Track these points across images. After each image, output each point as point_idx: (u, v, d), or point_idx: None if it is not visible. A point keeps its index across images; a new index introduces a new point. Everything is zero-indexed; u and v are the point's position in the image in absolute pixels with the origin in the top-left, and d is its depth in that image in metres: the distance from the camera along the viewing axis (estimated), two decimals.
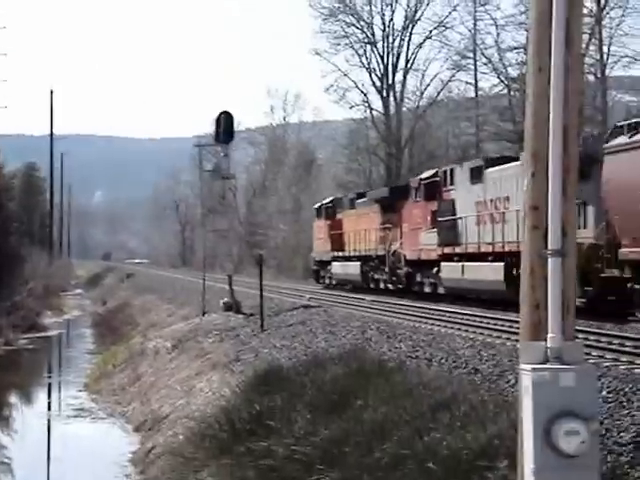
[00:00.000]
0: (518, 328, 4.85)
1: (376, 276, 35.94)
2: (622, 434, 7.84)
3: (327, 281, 42.17)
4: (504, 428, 7.62)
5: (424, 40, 62.02)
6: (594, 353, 13.20)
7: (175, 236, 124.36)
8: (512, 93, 50.21)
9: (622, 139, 18.97)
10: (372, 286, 36.02)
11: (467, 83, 58.96)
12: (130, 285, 60.53)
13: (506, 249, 23.67)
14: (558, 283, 4.51)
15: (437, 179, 29.71)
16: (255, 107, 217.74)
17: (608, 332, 16.06)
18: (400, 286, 33.03)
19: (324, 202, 44.17)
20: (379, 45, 62.54)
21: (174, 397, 17.46)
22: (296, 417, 10.32)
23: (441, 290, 28.60)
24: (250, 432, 10.76)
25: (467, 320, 19.88)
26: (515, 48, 49.65)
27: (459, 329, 17.86)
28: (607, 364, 11.94)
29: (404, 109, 63.33)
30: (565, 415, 4.31)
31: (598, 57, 45.52)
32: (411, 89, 64.13)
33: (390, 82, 62.46)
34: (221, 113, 27.45)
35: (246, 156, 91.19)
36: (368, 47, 62.67)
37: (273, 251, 63.36)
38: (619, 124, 20.30)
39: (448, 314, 21.62)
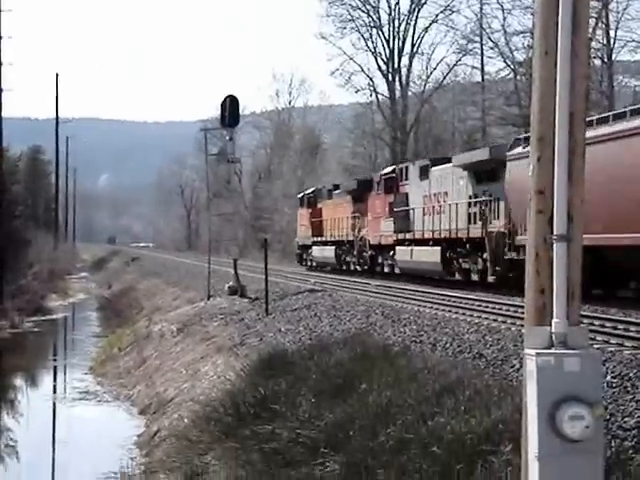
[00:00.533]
0: (523, 313, 4.85)
1: (347, 259, 40.28)
2: (626, 419, 7.84)
3: (309, 263, 46.38)
4: (508, 413, 7.63)
5: (430, 24, 61.89)
6: (599, 338, 13.19)
7: (180, 220, 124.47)
8: (518, 77, 50.05)
9: (518, 149, 22.73)
10: (344, 267, 40.42)
11: (473, 67, 58.82)
12: (135, 269, 60.61)
13: (442, 236, 28.33)
14: (563, 268, 4.50)
15: (394, 175, 34.07)
16: (260, 91, 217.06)
17: (613, 317, 16.05)
18: (365, 267, 37.20)
19: (306, 192, 48.32)
20: (385, 29, 62.42)
21: (179, 380, 17.51)
22: (301, 401, 10.34)
23: (397, 270, 33.11)
24: (255, 416, 10.79)
25: (472, 305, 19.88)
26: (522, 32, 49.48)
27: (464, 314, 17.85)
28: (612, 349, 11.93)
29: (410, 93, 63.18)
30: (570, 400, 4.31)
31: (605, 41, 45.37)
32: (417, 73, 63.98)
33: (396, 66, 62.31)
34: (226, 97, 27.40)
35: (252, 140, 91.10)
36: (374, 31, 62.54)
37: (278, 235, 63.38)
38: (518, 137, 24.68)
39: (453, 299, 21.62)
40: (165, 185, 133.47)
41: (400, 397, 9.08)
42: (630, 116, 18.83)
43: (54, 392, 22.61)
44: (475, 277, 27.26)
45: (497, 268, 24.41)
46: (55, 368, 27.07)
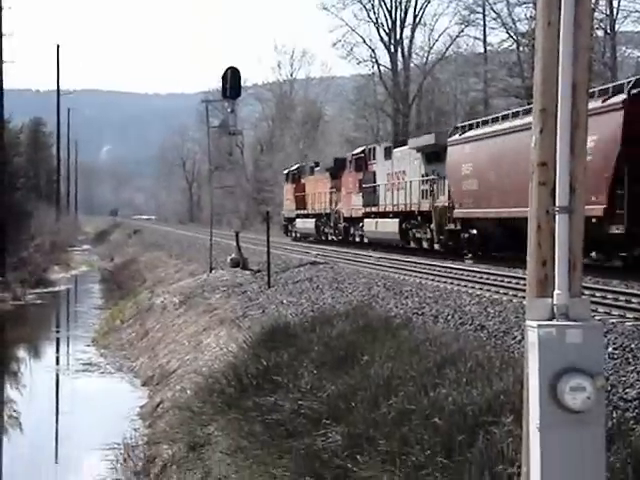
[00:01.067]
0: (525, 285, 4.86)
1: (325, 230, 44.44)
2: (628, 390, 7.87)
3: (293, 234, 50.12)
4: (510, 384, 7.65)
5: None
6: (600, 310, 13.21)
7: (182, 193, 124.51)
8: (521, 48, 49.81)
9: (455, 137, 27.19)
10: (323, 238, 44.39)
11: (476, 38, 58.54)
12: (137, 241, 60.67)
13: (400, 209, 32.57)
14: (565, 240, 4.50)
15: (363, 155, 38.16)
16: (262, 63, 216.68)
17: (614, 289, 16.06)
18: (340, 237, 41.43)
19: (291, 169, 52.07)
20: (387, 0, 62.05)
21: (182, 352, 17.57)
22: (303, 372, 10.37)
23: (365, 240, 37.07)
24: (257, 387, 10.83)
25: (474, 277, 19.90)
26: (524, 2, 49.13)
27: (465, 286, 17.87)
28: (613, 320, 11.96)
29: (412, 65, 62.95)
30: (571, 371, 4.32)
31: (608, 12, 45.13)
32: (419, 44, 63.77)
33: (398, 37, 62.03)
34: (228, 69, 27.29)
35: (253, 112, 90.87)
36: (376, 1, 62.21)
37: (280, 207, 63.38)
38: (457, 126, 28.99)
39: (455, 271, 21.65)
40: (167, 157, 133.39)
41: (402, 369, 9.10)
42: (523, 114, 22.79)
43: (57, 364, 22.68)
44: (425, 245, 31.06)
45: (441, 237, 28.89)
46: (58, 340, 27.16)
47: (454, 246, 27.54)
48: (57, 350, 25.58)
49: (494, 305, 13.99)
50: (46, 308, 34.37)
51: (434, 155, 29.64)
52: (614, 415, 7.02)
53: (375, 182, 35.79)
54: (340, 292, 17.59)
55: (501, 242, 24.95)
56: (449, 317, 13.03)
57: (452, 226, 27.45)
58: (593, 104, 19.02)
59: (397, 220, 32.47)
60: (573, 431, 4.35)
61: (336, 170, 41.96)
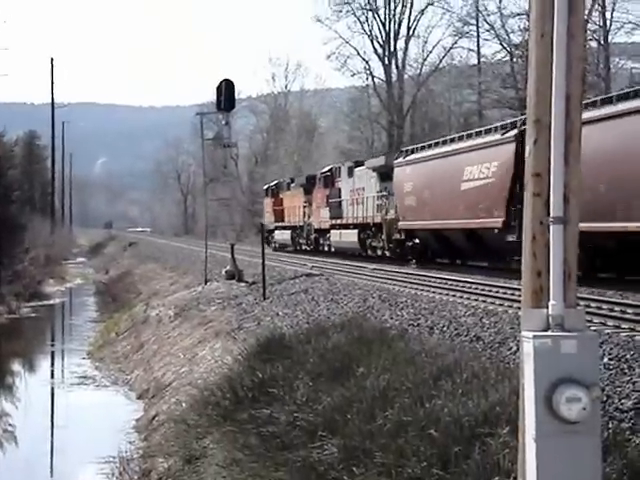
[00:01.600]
0: (520, 296, 4.86)
1: (300, 240, 48.35)
2: (623, 401, 7.87)
3: (272, 245, 52.97)
4: (505, 395, 7.65)
5: (426, 6, 61.72)
6: (595, 320, 13.21)
7: (177, 205, 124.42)
8: (515, 60, 49.95)
9: (400, 159, 31.97)
10: (298, 248, 48.37)
11: (469, 50, 58.74)
12: (132, 254, 60.61)
13: (359, 221, 36.92)
14: (560, 250, 4.50)
15: (330, 173, 42.64)
16: (256, 75, 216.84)
17: (610, 299, 16.07)
18: (312, 247, 45.52)
19: (270, 184, 56.39)
20: (381, 12, 62.26)
21: (177, 365, 17.54)
22: (298, 384, 10.36)
23: (332, 249, 41.38)
24: (253, 399, 10.81)
25: (469, 288, 19.90)
26: (518, 14, 49.36)
27: (461, 297, 17.87)
28: (608, 331, 11.95)
29: (406, 77, 63.05)
30: (566, 382, 4.32)
31: (601, 23, 45.27)
32: (413, 56, 63.94)
33: (392, 49, 62.17)
34: (222, 81, 27.32)
35: (248, 124, 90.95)
36: (370, 14, 62.38)
37: None
38: (402, 150, 34.14)
39: (450, 282, 21.65)
40: (162, 170, 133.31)
41: (398, 380, 9.10)
42: (450, 142, 28.22)
43: (52, 377, 22.64)
44: (379, 252, 35.02)
45: (390, 245, 33.35)
46: (53, 353, 27.10)
47: (400, 253, 32.07)
48: (52, 363, 25.53)
49: (489, 316, 13.98)
50: (41, 321, 34.31)
51: (386, 174, 33.80)
52: (610, 426, 7.03)
53: (340, 197, 40.21)
54: (335, 304, 17.58)
55: (437, 250, 30.09)
56: (444, 328, 13.03)
57: (397, 236, 32.05)
58: (494, 137, 25.01)
59: (356, 231, 36.84)
60: (569, 442, 4.35)
61: (309, 186, 46.31)
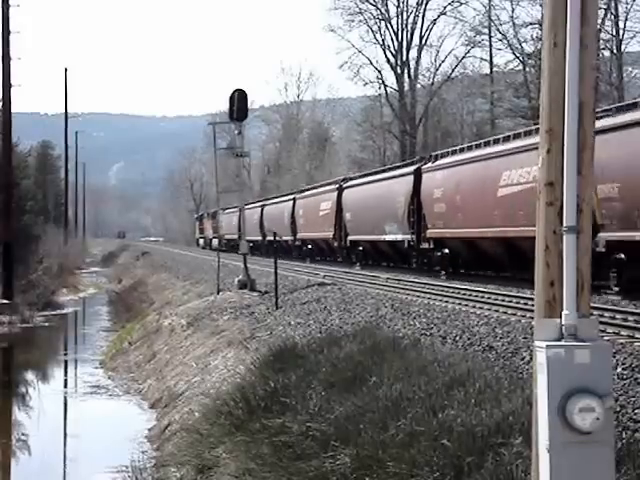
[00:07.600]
0: (533, 305, 4.85)
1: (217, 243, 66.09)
2: (637, 411, 7.84)
3: (208, 248, 76.50)
4: (519, 405, 7.62)
5: (438, 16, 61.83)
6: (609, 330, 13.17)
7: (190, 214, 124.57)
8: (527, 69, 49.93)
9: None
10: (224, 249, 59.86)
11: (482, 59, 58.75)
12: (145, 263, 60.69)
13: (218, 234, 57.04)
14: (573, 260, 4.50)
15: (216, 210, 55.55)
16: (269, 85, 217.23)
17: (623, 309, 16.02)
18: (225, 249, 58.58)
19: (210, 211, 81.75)
20: (393, 21, 62.36)
21: (189, 374, 17.53)
22: (311, 394, 10.34)
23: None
24: (265, 409, 10.79)
25: (481, 297, 19.87)
26: (530, 23, 49.36)
27: (474, 306, 17.83)
28: (622, 341, 11.92)
29: (418, 86, 63.12)
30: (580, 392, 4.31)
31: (614, 32, 45.23)
32: (425, 66, 63.96)
33: (404, 59, 62.24)
34: (235, 91, 27.36)
35: (260, 134, 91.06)
36: (382, 23, 62.49)
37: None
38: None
39: (462, 291, 21.60)
40: (174, 179, 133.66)
41: (410, 390, 9.08)
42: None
43: (65, 386, 22.66)
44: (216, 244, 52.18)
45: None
46: (66, 362, 27.13)
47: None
48: (65, 373, 25.55)
49: (502, 326, 13.95)
50: (54, 331, 34.37)
51: (213, 215, 59.40)
52: (623, 436, 6.99)
53: (220, 223, 64.94)
54: (348, 313, 17.56)
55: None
56: (457, 338, 13.00)
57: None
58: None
59: (217, 240, 57.08)
60: (582, 452, 4.33)
61: (214, 215, 72.20)
